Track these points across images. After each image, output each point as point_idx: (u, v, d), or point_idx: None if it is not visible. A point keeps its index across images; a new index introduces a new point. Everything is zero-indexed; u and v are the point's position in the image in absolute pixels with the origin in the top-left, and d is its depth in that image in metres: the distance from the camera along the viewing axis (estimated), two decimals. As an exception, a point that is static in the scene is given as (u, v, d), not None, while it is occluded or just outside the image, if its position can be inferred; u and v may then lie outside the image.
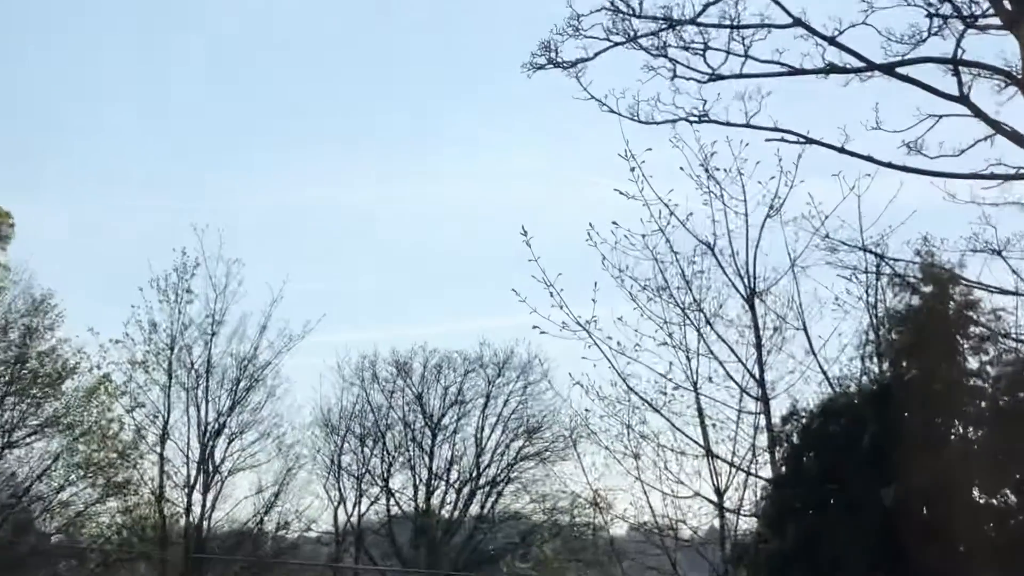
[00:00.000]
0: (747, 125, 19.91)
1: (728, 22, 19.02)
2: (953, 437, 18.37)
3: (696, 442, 23.54)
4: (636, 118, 19.93)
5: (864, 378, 20.82)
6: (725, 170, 23.09)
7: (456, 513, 50.38)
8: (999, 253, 20.74)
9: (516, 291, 22.80)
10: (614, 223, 23.11)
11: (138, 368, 41.18)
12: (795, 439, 19.36)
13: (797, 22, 18.90)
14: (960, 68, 19.01)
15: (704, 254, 23.50)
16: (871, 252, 22.67)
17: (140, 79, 71.99)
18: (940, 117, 19.60)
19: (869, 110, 19.38)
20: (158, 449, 41.25)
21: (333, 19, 74.33)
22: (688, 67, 19.39)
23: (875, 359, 21.35)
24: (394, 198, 73.01)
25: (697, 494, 23.73)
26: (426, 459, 50.49)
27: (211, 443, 41.88)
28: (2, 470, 40.09)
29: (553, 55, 19.91)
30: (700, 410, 23.57)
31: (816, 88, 19.40)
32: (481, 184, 73.28)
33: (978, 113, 19.20)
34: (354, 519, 49.25)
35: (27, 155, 64.92)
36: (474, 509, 50.54)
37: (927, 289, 19.66)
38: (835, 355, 22.89)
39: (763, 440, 22.94)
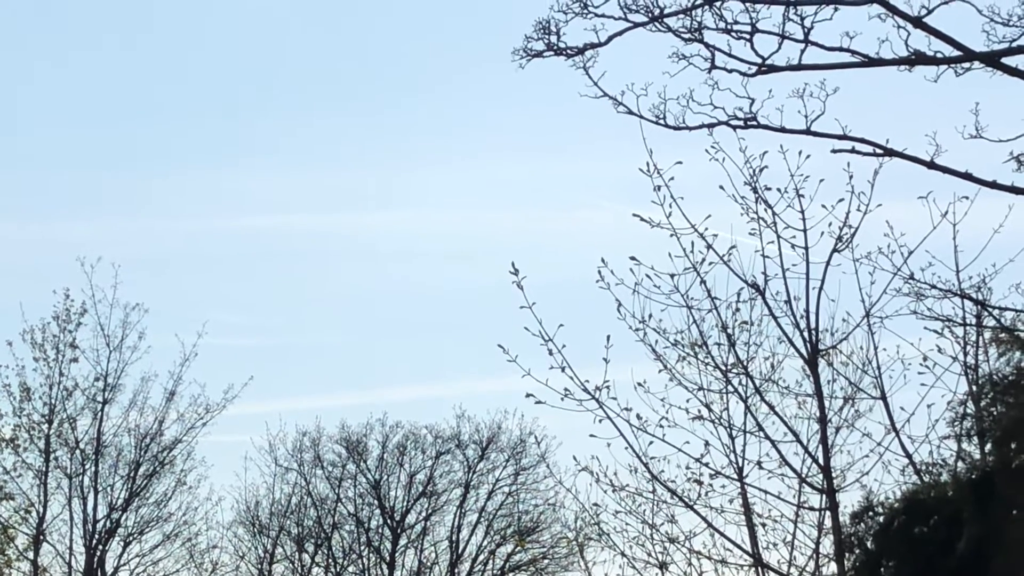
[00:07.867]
0: (807, 131, 19.99)
1: (783, -4, 19.18)
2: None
3: (741, 547, 23.54)
4: (662, 121, 20.00)
5: (960, 464, 20.86)
6: (779, 190, 23.21)
7: (424, 641, 50.29)
8: None
9: (504, 347, 22.86)
10: (633, 259, 23.21)
11: (5, 447, 41.18)
12: (870, 544, 19.39)
13: (874, -4, 19.05)
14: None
15: (752, 299, 23.57)
16: (970, 298, 22.74)
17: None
18: (1062, 122, 19.74)
19: (967, 113, 19.51)
20: (30, 555, 41.17)
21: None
22: (730, 55, 19.50)
23: (975, 439, 21.40)
24: (346, 227, 73.28)
25: (742, 616, 23.75)
26: (385, 569, 50.37)
27: (101, 547, 41.76)
28: None
29: (554, 39, 20.04)
30: (747, 505, 23.59)
31: (898, 84, 19.51)
32: (457, 207, 73.59)
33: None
34: (289, 648, 49.18)
35: None
36: (448, 636, 50.47)
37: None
38: (923, 433, 22.98)
39: (828, 545, 22.97)
